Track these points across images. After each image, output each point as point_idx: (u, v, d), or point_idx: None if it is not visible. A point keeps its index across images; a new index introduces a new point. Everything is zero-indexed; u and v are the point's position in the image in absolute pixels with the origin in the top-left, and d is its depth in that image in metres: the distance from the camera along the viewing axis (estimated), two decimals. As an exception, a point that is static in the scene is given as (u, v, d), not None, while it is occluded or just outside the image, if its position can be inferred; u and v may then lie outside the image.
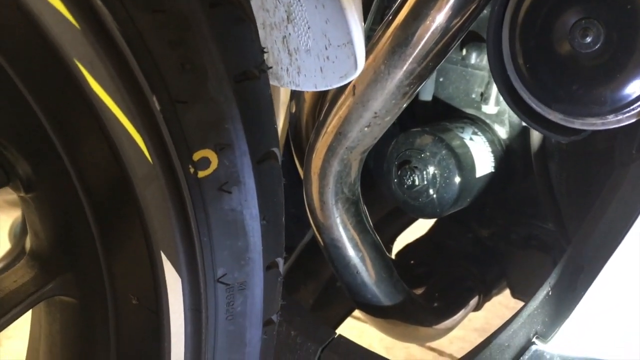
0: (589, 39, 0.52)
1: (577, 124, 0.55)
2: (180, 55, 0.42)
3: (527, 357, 0.58)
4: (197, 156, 0.46)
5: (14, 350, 1.49)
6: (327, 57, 0.56)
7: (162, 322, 0.51)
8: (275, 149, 0.52)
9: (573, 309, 0.55)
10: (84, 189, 0.48)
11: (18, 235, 2.14)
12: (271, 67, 0.55)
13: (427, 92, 1.02)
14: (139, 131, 0.43)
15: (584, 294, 0.54)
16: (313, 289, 1.15)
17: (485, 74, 0.95)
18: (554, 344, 0.57)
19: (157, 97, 0.42)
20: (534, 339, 0.58)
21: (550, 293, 0.58)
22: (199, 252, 0.49)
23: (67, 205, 0.50)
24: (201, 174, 0.46)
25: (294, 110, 1.02)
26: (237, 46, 0.46)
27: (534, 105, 0.57)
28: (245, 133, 0.48)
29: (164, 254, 0.48)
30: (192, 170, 0.46)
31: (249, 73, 0.47)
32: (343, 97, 0.76)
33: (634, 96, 0.51)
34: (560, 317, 0.57)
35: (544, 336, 0.58)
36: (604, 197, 0.57)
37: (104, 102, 0.42)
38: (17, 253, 2.12)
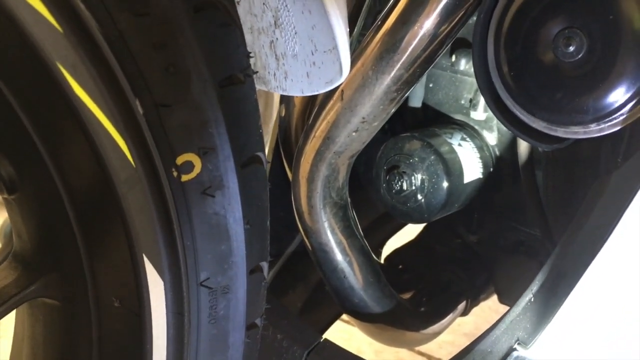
0: (572, 48, 0.52)
1: (560, 132, 0.55)
2: (163, 59, 0.42)
3: (508, 363, 0.58)
4: (180, 160, 0.46)
5: (3, 350, 1.48)
6: (314, 63, 0.56)
7: (144, 325, 0.51)
8: (260, 154, 0.52)
9: (554, 314, 0.56)
10: (67, 191, 0.48)
11: (8, 234, 2.14)
12: (257, 72, 0.56)
13: (416, 98, 1.03)
14: (121, 134, 0.43)
15: (564, 299, 0.55)
16: (301, 292, 1.15)
17: (474, 80, 0.95)
18: (535, 350, 0.57)
19: (140, 101, 0.42)
20: (515, 345, 0.59)
21: (532, 299, 0.58)
22: (181, 255, 0.49)
23: (50, 207, 0.50)
24: (184, 177, 0.47)
25: (283, 114, 1.02)
26: (222, 50, 0.46)
27: (518, 113, 0.57)
28: (229, 137, 0.48)
29: (147, 256, 0.48)
30: (175, 173, 0.46)
31: (234, 78, 0.47)
32: (331, 101, 0.77)
33: (616, 105, 0.52)
34: (541, 323, 0.57)
35: (525, 342, 0.58)
36: (587, 204, 0.58)
37: (87, 105, 0.42)
38: (7, 253, 2.12)
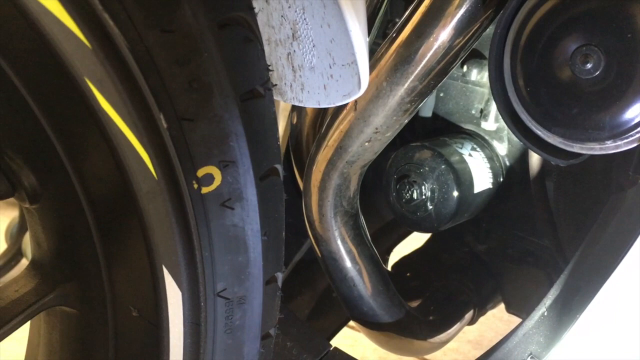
0: (589, 65, 0.53)
1: (576, 148, 0.55)
2: (188, 74, 0.43)
3: (521, 376, 0.58)
4: (201, 172, 0.46)
5: (9, 351, 1.48)
6: (331, 76, 0.57)
7: (162, 335, 0.51)
8: (277, 166, 0.53)
9: (568, 329, 0.56)
10: (89, 201, 0.48)
11: (15, 235, 2.14)
12: (276, 85, 0.56)
13: (427, 108, 1.03)
14: (145, 147, 0.43)
15: (579, 315, 0.55)
16: (309, 299, 1.15)
17: (485, 90, 0.95)
18: (549, 365, 0.58)
19: (164, 115, 0.42)
20: (528, 359, 0.59)
21: (545, 313, 0.58)
22: (200, 266, 0.49)
23: (70, 217, 0.50)
24: (205, 189, 0.47)
25: (295, 122, 1.03)
26: (244, 65, 0.47)
27: (533, 128, 0.57)
28: (249, 150, 0.48)
29: (166, 267, 0.48)
30: (196, 186, 0.46)
31: (255, 91, 0.48)
32: (345, 111, 0.77)
33: (632, 123, 0.52)
34: (555, 338, 0.57)
35: (538, 356, 0.58)
36: (602, 219, 0.58)
37: (112, 118, 0.42)
38: (13, 253, 2.13)
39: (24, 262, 2.14)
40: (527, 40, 0.56)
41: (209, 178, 0.47)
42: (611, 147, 0.54)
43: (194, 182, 0.46)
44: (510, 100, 0.59)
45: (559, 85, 0.54)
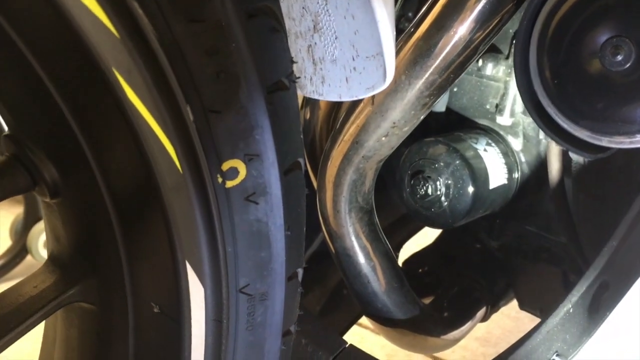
0: (620, 57, 0.51)
1: (604, 141, 0.54)
2: (215, 65, 0.42)
3: (546, 374, 0.57)
4: (226, 166, 0.45)
5: (21, 350, 1.47)
6: (354, 68, 0.56)
7: (183, 332, 0.50)
8: (300, 159, 0.52)
9: (596, 328, 0.55)
10: (111, 195, 0.47)
11: (19, 232, 2.13)
12: (299, 78, 0.55)
13: (441, 102, 1.02)
14: (171, 140, 0.42)
15: (609, 313, 0.54)
16: (320, 295, 1.14)
17: (500, 85, 0.94)
18: (576, 363, 0.57)
19: (191, 107, 0.41)
20: (554, 357, 0.58)
21: (571, 310, 0.57)
22: (223, 262, 0.48)
23: (92, 211, 0.49)
24: (229, 183, 0.46)
25: (308, 118, 1.02)
26: (271, 56, 0.46)
27: (560, 122, 0.56)
28: (274, 143, 0.47)
29: (189, 263, 0.47)
30: (220, 180, 0.45)
31: (280, 83, 0.47)
32: (361, 105, 0.76)
33: (663, 116, 0.51)
34: (582, 336, 0.56)
35: (564, 354, 0.57)
36: (633, 213, 0.57)
37: (139, 110, 0.41)
38: (18, 250, 2.12)
39: (29, 259, 2.13)
40: (555, 32, 0.55)
41: (234, 172, 0.46)
42: (641, 141, 0.53)
43: (219, 175, 0.45)
44: (537, 93, 0.58)
45: (588, 78, 0.53)
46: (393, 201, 1.16)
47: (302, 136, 0.52)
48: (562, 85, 0.55)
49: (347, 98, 0.59)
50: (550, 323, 0.59)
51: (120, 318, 0.52)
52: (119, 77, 0.40)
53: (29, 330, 0.49)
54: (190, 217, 0.46)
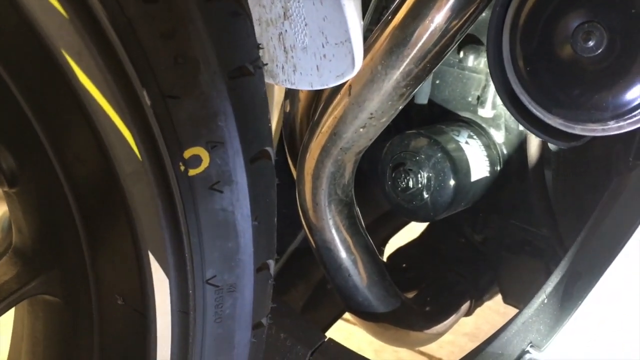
0: (591, 43, 0.51)
1: (577, 129, 0.54)
2: (172, 48, 0.41)
3: (521, 365, 0.57)
4: (188, 154, 0.44)
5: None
6: (324, 55, 0.55)
7: (148, 324, 0.49)
8: (268, 148, 0.51)
9: (569, 317, 0.54)
10: (70, 184, 0.46)
11: (6, 229, 2.12)
12: (266, 64, 0.54)
13: (423, 95, 1.01)
14: (128, 126, 0.41)
15: (580, 302, 0.53)
16: (303, 291, 1.14)
17: (482, 77, 0.94)
18: (549, 353, 0.56)
19: (147, 92, 0.40)
20: (528, 348, 0.57)
21: (545, 301, 0.57)
22: (187, 252, 0.47)
23: (52, 201, 0.48)
24: (192, 172, 0.45)
25: (288, 110, 1.01)
26: (232, 41, 0.45)
27: (533, 110, 0.56)
28: (238, 131, 0.46)
29: (152, 253, 0.46)
30: (182, 168, 0.44)
31: (244, 69, 0.46)
32: (339, 97, 0.75)
33: (636, 102, 0.50)
34: (555, 326, 0.55)
35: (538, 345, 0.57)
36: (604, 204, 0.56)
37: (92, 95, 0.40)
38: (4, 248, 2.10)
39: (16, 257, 2.12)
40: (527, 18, 0.54)
41: (196, 159, 0.45)
42: (614, 127, 0.52)
43: (181, 163, 0.44)
44: (510, 81, 0.57)
45: (560, 65, 0.53)
46: (376, 197, 1.16)
47: (270, 125, 0.51)
48: (535, 73, 0.54)
49: (318, 86, 0.58)
50: (525, 314, 0.59)
51: (85, 310, 0.51)
52: (69, 60, 0.39)
53: (-11, 322, 0.48)
54: (152, 206, 0.45)
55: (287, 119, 0.99)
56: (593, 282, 0.53)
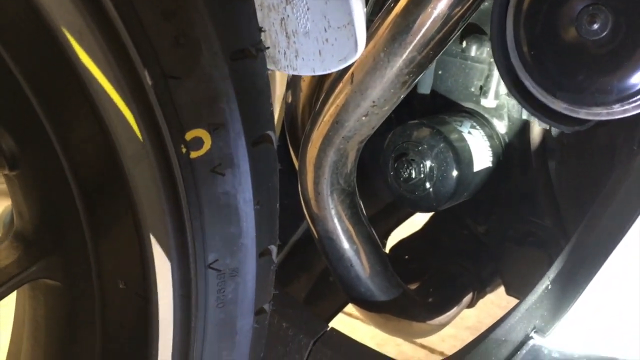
0: (596, 26, 0.50)
1: (581, 113, 0.53)
2: (174, 28, 0.40)
3: (524, 352, 0.57)
4: (189, 135, 0.44)
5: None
6: (327, 40, 0.55)
7: (150, 308, 0.49)
8: (270, 132, 0.51)
9: (573, 302, 0.54)
10: (71, 166, 0.46)
11: (8, 224, 2.12)
12: (268, 47, 0.54)
13: (425, 85, 1.01)
14: (129, 106, 0.41)
15: (585, 287, 0.53)
16: (305, 282, 1.13)
17: (485, 67, 0.93)
18: (553, 339, 0.56)
19: (148, 71, 0.40)
20: (532, 334, 0.57)
21: (549, 287, 0.56)
22: (189, 236, 0.47)
23: (52, 184, 0.48)
24: (193, 154, 0.45)
25: (290, 101, 1.01)
26: (234, 22, 0.44)
27: (537, 94, 0.55)
28: (240, 113, 0.46)
29: (154, 236, 0.46)
30: (184, 150, 0.44)
31: (246, 51, 0.45)
32: (341, 85, 0.75)
33: (641, 85, 0.50)
34: (559, 311, 0.55)
35: (542, 331, 0.56)
36: (609, 189, 0.56)
37: (93, 74, 0.40)
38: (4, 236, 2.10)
39: (18, 251, 2.12)
40: (531, 2, 0.54)
41: (198, 142, 0.45)
42: (618, 111, 0.51)
43: (182, 146, 0.44)
44: (514, 66, 0.56)
45: (565, 48, 0.52)
46: (378, 190, 1.15)
47: (272, 109, 0.51)
48: (539, 57, 0.54)
49: (320, 71, 0.58)
50: (528, 301, 0.58)
51: (86, 295, 0.51)
52: (70, 38, 0.39)
53: (-10, 306, 0.48)
54: (154, 188, 0.44)
55: (288, 110, 0.98)
56: (596, 269, 0.52)
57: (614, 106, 0.51)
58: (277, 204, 0.54)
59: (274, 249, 0.56)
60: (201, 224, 0.47)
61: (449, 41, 0.68)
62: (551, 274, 0.57)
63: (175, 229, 0.46)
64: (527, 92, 0.56)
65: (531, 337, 0.57)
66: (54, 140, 0.45)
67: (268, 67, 0.60)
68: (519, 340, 0.57)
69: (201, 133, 0.44)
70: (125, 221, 0.46)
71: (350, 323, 1.69)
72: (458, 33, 0.69)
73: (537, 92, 0.55)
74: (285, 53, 0.60)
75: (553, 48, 0.53)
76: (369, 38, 0.69)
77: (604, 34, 0.50)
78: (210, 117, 0.44)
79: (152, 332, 0.49)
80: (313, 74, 0.58)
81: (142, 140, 0.42)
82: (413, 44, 0.67)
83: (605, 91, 0.51)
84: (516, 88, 0.58)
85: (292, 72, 0.60)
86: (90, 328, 0.52)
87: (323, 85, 0.93)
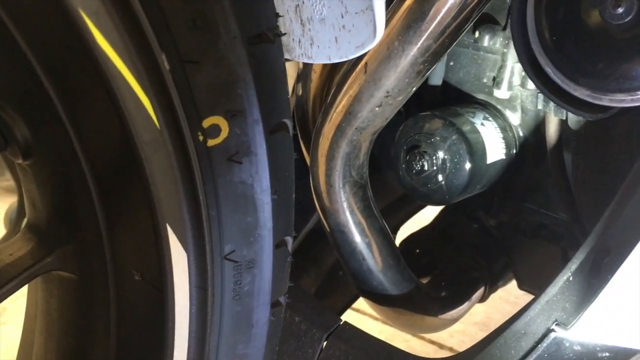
0: (621, 10, 0.49)
1: (605, 100, 0.52)
2: (191, 10, 0.39)
3: (545, 345, 0.55)
4: (207, 123, 0.43)
5: (8, 336, 1.46)
6: (343, 26, 0.53)
7: (166, 300, 0.48)
8: (287, 120, 0.49)
9: (597, 294, 0.53)
10: (86, 155, 0.45)
11: (14, 221, 2.11)
12: (285, 34, 0.52)
13: (436, 76, 1.00)
14: (146, 92, 0.40)
15: (609, 278, 0.52)
16: (315, 276, 1.13)
17: (498, 57, 0.92)
18: (576, 332, 0.55)
19: (166, 56, 0.39)
20: (553, 326, 0.56)
21: (571, 278, 0.55)
22: (206, 226, 0.46)
23: (67, 172, 0.47)
24: (211, 142, 0.44)
25: (300, 93, 0.99)
26: (251, 5, 0.43)
27: (559, 81, 0.54)
28: (258, 100, 0.45)
29: (170, 226, 0.45)
30: (201, 137, 0.43)
31: (264, 36, 0.44)
32: (354, 75, 0.73)
33: (667, 71, 0.49)
34: (582, 303, 0.54)
35: (564, 323, 0.55)
36: (633, 178, 0.55)
37: (110, 58, 0.39)
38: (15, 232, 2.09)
39: (24, 248, 2.11)
40: (553, -14, 0.52)
41: (216, 129, 0.43)
42: (644, 98, 0.50)
43: (200, 133, 0.43)
44: (534, 52, 0.55)
45: (588, 33, 0.51)
46: (388, 183, 1.14)
47: (289, 96, 0.50)
48: (561, 42, 0.53)
49: (336, 59, 0.57)
50: (549, 293, 0.57)
51: (101, 287, 0.50)
52: (86, 19, 0.37)
53: (3, 299, 0.47)
54: (170, 177, 0.43)
55: (299, 102, 0.97)
56: (622, 259, 0.51)
57: (638, 92, 0.50)
58: (293, 195, 0.53)
59: (290, 240, 0.55)
60: (218, 214, 0.46)
61: (465, 29, 0.66)
62: (573, 265, 0.56)
63: (191, 219, 0.45)
64: (548, 79, 0.55)
65: (552, 330, 0.56)
66: (69, 127, 0.44)
67: (282, 56, 0.59)
68: (539, 333, 0.56)
69: (218, 120, 0.43)
70: (141, 211, 0.45)
71: (358, 319, 1.69)
72: (475, 20, 0.67)
73: (559, 79, 0.54)
74: (300, 41, 0.58)
75: (575, 32, 0.52)
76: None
77: (628, 18, 0.49)
78: (228, 104, 0.43)
79: (168, 325, 0.48)
80: (329, 61, 0.57)
81: (159, 127, 0.41)
82: (429, 31, 0.66)
83: (629, 77, 0.50)
84: (537, 75, 0.56)
85: (307, 61, 0.59)
86: (105, 321, 0.51)
87: (334, 77, 0.92)
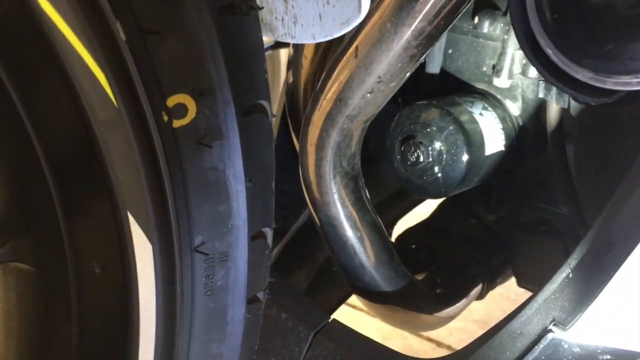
0: (627, -16, 0.45)
1: (609, 83, 0.48)
2: (151, -26, 0.36)
3: (542, 346, 0.52)
4: (171, 101, 0.39)
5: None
6: (327, 2, 0.50)
7: (130, 295, 0.44)
8: (264, 102, 0.46)
9: (599, 292, 0.49)
10: (39, 137, 0.41)
11: None
12: (262, 8, 0.49)
13: (434, 65, 0.96)
14: (100, 66, 0.36)
15: (612, 276, 0.48)
16: (307, 273, 1.10)
17: (498, 44, 0.88)
18: (574, 332, 0.51)
19: (122, 25, 0.35)
20: (550, 327, 0.52)
21: (570, 275, 0.52)
22: (173, 215, 0.42)
23: (20, 157, 0.43)
24: (176, 123, 0.40)
25: (290, 81, 0.96)
26: (222, -28, 0.39)
27: (560, 63, 0.50)
28: (229, 78, 0.41)
29: (132, 215, 0.41)
30: (165, 117, 0.39)
31: (236, 7, 0.40)
32: (344, 60, 0.70)
33: (677, 50, 0.45)
34: (582, 302, 0.50)
35: (562, 323, 0.51)
36: (635, 171, 0.51)
37: (59, 28, 0.35)
38: None
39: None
40: (554, -40, 0.49)
41: (182, 109, 0.40)
42: (652, 80, 0.46)
43: (163, 113, 0.39)
44: (534, 32, 0.51)
45: (591, 10, 0.47)
46: (383, 177, 1.11)
47: (266, 76, 0.46)
48: (562, 21, 0.49)
49: (321, 38, 0.53)
50: (547, 291, 0.53)
51: (61, 280, 0.46)
52: (28, -19, 0.34)
53: (-46, 292, 0.44)
54: (130, 160, 0.40)
55: (289, 90, 0.94)
56: (624, 256, 0.47)
57: (646, 74, 0.46)
58: (273, 183, 0.49)
59: (269, 232, 0.51)
60: (186, 202, 0.43)
61: (462, 10, 0.63)
62: (572, 261, 0.52)
63: (156, 207, 0.42)
64: (549, 61, 0.51)
65: (550, 330, 0.52)
66: (20, 109, 0.40)
67: (265, 36, 0.55)
68: (536, 333, 0.52)
69: (185, 99, 0.39)
70: (100, 198, 0.42)
71: (354, 315, 1.65)
72: (470, 2, 0.64)
73: (560, 60, 0.50)
74: (282, 20, 0.55)
75: (577, 10, 0.48)
76: (375, 7, 0.64)
77: (636, -8, 0.45)
78: (195, 81, 0.39)
79: (133, 322, 0.45)
80: (313, 41, 0.53)
81: (116, 105, 0.38)
82: (423, 12, 0.62)
83: (636, 58, 0.46)
84: (536, 57, 0.52)
85: (290, 41, 0.56)
86: (65, 317, 0.48)
87: (325, 64, 0.89)
